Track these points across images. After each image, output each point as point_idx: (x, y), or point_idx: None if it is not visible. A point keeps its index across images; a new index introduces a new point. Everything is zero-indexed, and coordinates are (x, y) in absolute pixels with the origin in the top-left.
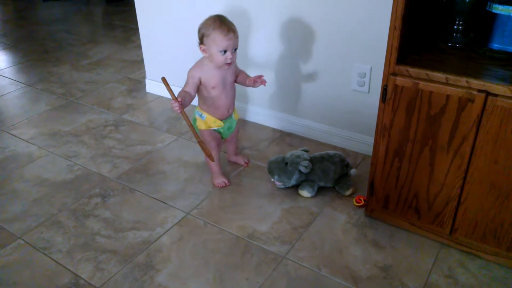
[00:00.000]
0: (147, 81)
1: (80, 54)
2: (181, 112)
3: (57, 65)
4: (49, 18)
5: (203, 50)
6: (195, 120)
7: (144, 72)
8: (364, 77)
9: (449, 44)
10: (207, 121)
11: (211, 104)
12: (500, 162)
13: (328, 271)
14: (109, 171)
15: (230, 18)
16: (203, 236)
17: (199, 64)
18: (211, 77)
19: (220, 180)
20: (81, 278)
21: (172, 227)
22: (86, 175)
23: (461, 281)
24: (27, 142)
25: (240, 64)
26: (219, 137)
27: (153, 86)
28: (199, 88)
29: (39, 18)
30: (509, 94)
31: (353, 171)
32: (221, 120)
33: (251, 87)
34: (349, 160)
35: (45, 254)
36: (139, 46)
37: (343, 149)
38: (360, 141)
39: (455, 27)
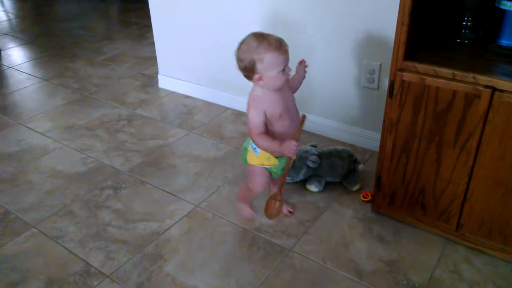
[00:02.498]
0: (159, 76)
1: (95, 50)
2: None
3: (73, 60)
4: (66, 15)
5: (259, 79)
6: (245, 150)
7: (157, 68)
8: (374, 73)
9: (458, 41)
10: (260, 157)
11: (276, 138)
12: (506, 159)
13: (333, 264)
14: (122, 164)
15: (241, 12)
16: (211, 228)
17: (254, 99)
18: (275, 104)
19: (249, 213)
20: (92, 266)
21: (181, 219)
22: (99, 168)
23: (466, 276)
24: (43, 135)
25: None
26: (268, 175)
27: (166, 82)
28: None
29: (56, 14)
30: (511, 89)
31: (360, 167)
32: (276, 158)
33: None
34: (357, 156)
35: (57, 243)
36: (153, 43)
37: (352, 145)
38: (369, 137)
39: (463, 23)
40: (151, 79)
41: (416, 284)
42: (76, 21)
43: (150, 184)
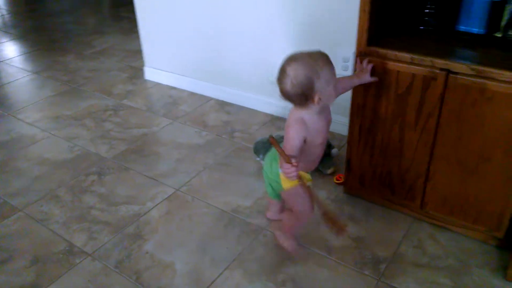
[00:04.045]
0: (145, 68)
1: (85, 44)
2: (297, 177)
3: (63, 54)
4: (58, 10)
5: (318, 100)
6: (275, 182)
7: (144, 60)
8: (348, 61)
9: (421, 27)
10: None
11: (307, 158)
12: (464, 138)
13: (305, 241)
14: (106, 152)
15: (225, 4)
16: (190, 210)
17: (299, 122)
18: (319, 131)
19: (294, 246)
20: (75, 246)
21: (161, 201)
22: (85, 155)
23: (429, 251)
24: (31, 125)
25: (229, 55)
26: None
27: (152, 74)
28: None
29: (48, 10)
30: (469, 72)
31: (334, 151)
32: (307, 173)
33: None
34: (335, 142)
35: (43, 225)
36: None
37: (330, 132)
38: (345, 123)
39: (426, 11)
40: (139, 71)
41: (381, 258)
42: (67, 16)
43: (133, 170)
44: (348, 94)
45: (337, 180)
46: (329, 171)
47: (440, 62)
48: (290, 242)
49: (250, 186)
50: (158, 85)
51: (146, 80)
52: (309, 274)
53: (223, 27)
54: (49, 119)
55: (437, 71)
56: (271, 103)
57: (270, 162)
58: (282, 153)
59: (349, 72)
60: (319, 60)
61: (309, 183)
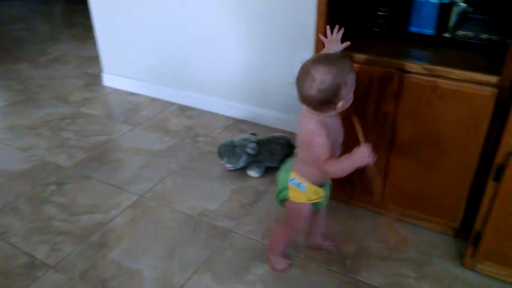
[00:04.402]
0: (103, 75)
1: (39, 52)
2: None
3: (16, 62)
4: (10, 18)
5: (341, 106)
6: (285, 189)
7: (101, 66)
8: None
9: (375, 29)
10: (307, 192)
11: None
12: (420, 135)
13: None
14: (65, 161)
15: (187, 12)
16: (155, 216)
17: (323, 124)
18: (339, 130)
19: (284, 264)
20: (36, 258)
21: (125, 209)
22: (43, 165)
23: (392, 244)
24: None
25: (189, 60)
26: (312, 210)
27: (110, 80)
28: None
29: None
30: (422, 71)
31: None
32: (320, 187)
33: None
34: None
35: (2, 239)
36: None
37: (292, 133)
38: None
39: (380, 13)
40: (96, 78)
41: (347, 253)
42: (20, 24)
43: (94, 178)
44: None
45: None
46: None
47: (395, 62)
48: (277, 261)
49: (215, 190)
50: (117, 91)
51: (104, 87)
52: (278, 273)
53: (182, 31)
54: (4, 129)
55: (393, 71)
56: (233, 106)
57: (285, 170)
58: (361, 132)
59: None
60: (346, 65)
61: (324, 200)
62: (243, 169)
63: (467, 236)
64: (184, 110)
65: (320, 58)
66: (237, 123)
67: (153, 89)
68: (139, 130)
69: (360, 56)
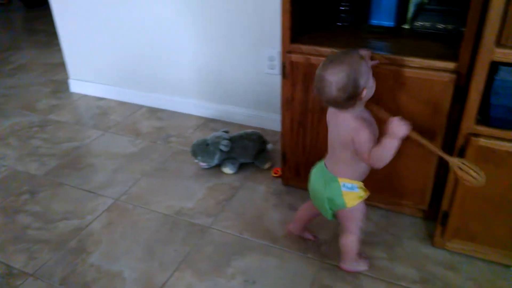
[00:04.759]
0: (70, 81)
1: (1, 61)
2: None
3: None
4: None
5: (365, 94)
6: (335, 198)
7: (67, 73)
8: (274, 60)
9: (338, 24)
10: (360, 191)
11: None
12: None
13: (250, 234)
14: (37, 169)
15: (148, 11)
16: (132, 218)
17: (361, 120)
18: (375, 125)
19: (364, 262)
20: (14, 268)
21: (102, 213)
22: (14, 175)
23: (365, 230)
24: None
25: (156, 62)
26: None
27: (77, 86)
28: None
29: None
30: (384, 61)
31: (269, 146)
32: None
33: None
34: (268, 138)
35: None
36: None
37: (262, 129)
38: (277, 120)
39: (341, 8)
40: (62, 85)
41: (322, 240)
42: None
43: (68, 184)
44: (277, 91)
45: (275, 173)
46: (266, 165)
47: None
48: (360, 265)
49: (190, 188)
50: (85, 97)
51: (71, 93)
52: (257, 264)
53: (147, 34)
54: None
55: None
56: (204, 105)
57: (324, 182)
58: (381, 110)
59: (276, 71)
60: (353, 58)
61: (366, 195)
62: (218, 166)
63: (435, 217)
64: (154, 112)
65: (328, 62)
66: (208, 122)
67: (122, 93)
68: (110, 134)
69: (324, 50)
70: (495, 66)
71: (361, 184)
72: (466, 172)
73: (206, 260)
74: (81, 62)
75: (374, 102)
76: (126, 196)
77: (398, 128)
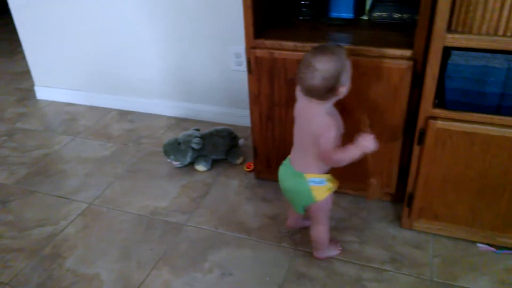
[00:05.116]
0: (36, 88)
1: None
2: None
3: None
4: None
5: (341, 91)
6: (304, 192)
7: (33, 80)
8: (240, 57)
9: (300, 18)
10: (328, 184)
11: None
12: (349, 110)
13: (225, 228)
14: (6, 178)
15: (110, 13)
16: (107, 221)
17: (331, 116)
18: (341, 122)
19: (336, 246)
20: None
21: (76, 218)
22: None
23: (335, 216)
24: None
25: (124, 64)
26: None
27: (44, 93)
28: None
29: None
30: None
31: (241, 142)
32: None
33: None
34: (240, 134)
35: None
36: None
37: (235, 125)
38: (248, 116)
39: (302, 2)
40: (29, 93)
41: (296, 229)
42: None
43: (40, 192)
44: (246, 87)
45: (247, 168)
46: (239, 161)
47: None
48: (332, 249)
49: (164, 188)
50: (52, 103)
51: (38, 100)
52: (233, 256)
53: (114, 36)
54: None
55: None
56: (175, 105)
57: (292, 179)
58: (367, 122)
59: (243, 67)
60: (342, 52)
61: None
62: (191, 164)
63: (402, 200)
64: (124, 114)
65: (319, 50)
66: (179, 122)
67: (91, 97)
68: (80, 139)
69: (287, 44)
70: (448, 51)
71: (329, 176)
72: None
73: (183, 256)
74: (46, 68)
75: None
76: (99, 200)
77: (369, 144)
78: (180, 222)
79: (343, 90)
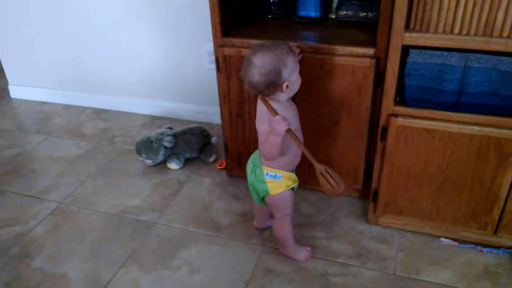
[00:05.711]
0: (10, 87)
1: None
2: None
3: None
4: None
5: (286, 87)
6: (260, 184)
7: (6, 79)
8: (213, 55)
9: (269, 16)
10: (284, 180)
11: (291, 153)
12: (315, 108)
13: (195, 226)
14: None
15: (86, 12)
16: (77, 220)
17: (273, 111)
18: (293, 116)
19: (305, 250)
20: None
21: (45, 217)
22: None
23: (304, 212)
24: None
25: (99, 62)
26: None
27: (18, 91)
28: None
29: None
30: (309, 50)
31: (213, 139)
32: (291, 172)
33: None
34: (214, 132)
35: None
36: None
37: (210, 123)
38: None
39: (271, 1)
40: (2, 92)
41: (262, 228)
42: None
43: (10, 192)
44: (214, 84)
45: (220, 165)
46: (211, 159)
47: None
48: (299, 251)
49: (136, 186)
50: (26, 102)
51: (12, 99)
52: (201, 254)
53: (89, 34)
54: None
55: None
56: (149, 104)
57: (253, 169)
58: (270, 108)
59: None
60: (283, 48)
61: (296, 185)
62: (164, 163)
63: (369, 195)
64: (99, 113)
65: (258, 47)
66: (154, 120)
67: (65, 96)
68: (54, 138)
69: (254, 42)
70: (408, 50)
71: (288, 173)
72: (326, 178)
73: (152, 254)
74: (20, 67)
75: (304, 91)
76: (70, 199)
77: (277, 126)
78: (151, 220)
79: (286, 85)
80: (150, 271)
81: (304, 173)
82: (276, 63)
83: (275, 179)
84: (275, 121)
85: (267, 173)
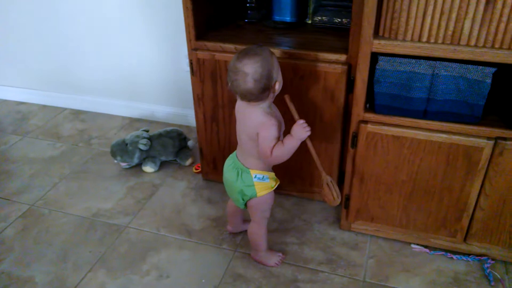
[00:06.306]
0: None
1: None
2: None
3: None
4: None
5: (278, 86)
6: (247, 188)
7: None
8: None
9: (246, 20)
10: (270, 181)
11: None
12: (287, 115)
13: (167, 230)
14: None
15: (64, 12)
16: (47, 223)
17: (270, 115)
18: (282, 120)
19: (277, 256)
20: None
21: (15, 220)
22: None
23: (277, 217)
24: None
25: (78, 63)
26: None
27: None
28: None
29: None
30: (282, 56)
31: (190, 143)
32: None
33: None
34: (192, 135)
35: None
36: None
37: (188, 126)
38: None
39: (248, 5)
40: None
41: (236, 232)
42: None
43: None
44: (189, 87)
45: (196, 169)
46: (187, 162)
47: None
48: (272, 257)
49: (110, 189)
50: (3, 102)
51: None
52: (171, 259)
53: (68, 34)
54: None
55: None
56: (128, 105)
57: (237, 173)
58: (294, 109)
59: None
60: (265, 50)
61: (276, 185)
62: (139, 165)
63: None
64: (77, 114)
65: (242, 54)
66: (133, 122)
67: (44, 96)
68: (29, 139)
69: (228, 46)
70: (377, 57)
71: (272, 174)
72: (330, 189)
73: (121, 258)
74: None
75: (277, 96)
76: (42, 201)
77: (301, 131)
78: (122, 224)
79: (277, 85)
80: (118, 276)
81: (280, 178)
82: (266, 66)
83: (262, 181)
84: (298, 125)
85: (255, 176)
